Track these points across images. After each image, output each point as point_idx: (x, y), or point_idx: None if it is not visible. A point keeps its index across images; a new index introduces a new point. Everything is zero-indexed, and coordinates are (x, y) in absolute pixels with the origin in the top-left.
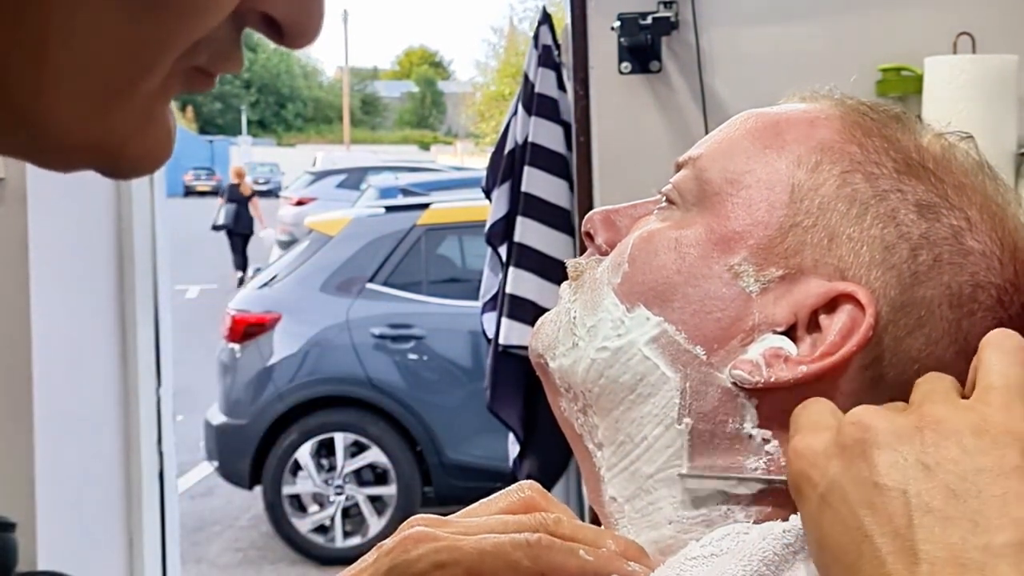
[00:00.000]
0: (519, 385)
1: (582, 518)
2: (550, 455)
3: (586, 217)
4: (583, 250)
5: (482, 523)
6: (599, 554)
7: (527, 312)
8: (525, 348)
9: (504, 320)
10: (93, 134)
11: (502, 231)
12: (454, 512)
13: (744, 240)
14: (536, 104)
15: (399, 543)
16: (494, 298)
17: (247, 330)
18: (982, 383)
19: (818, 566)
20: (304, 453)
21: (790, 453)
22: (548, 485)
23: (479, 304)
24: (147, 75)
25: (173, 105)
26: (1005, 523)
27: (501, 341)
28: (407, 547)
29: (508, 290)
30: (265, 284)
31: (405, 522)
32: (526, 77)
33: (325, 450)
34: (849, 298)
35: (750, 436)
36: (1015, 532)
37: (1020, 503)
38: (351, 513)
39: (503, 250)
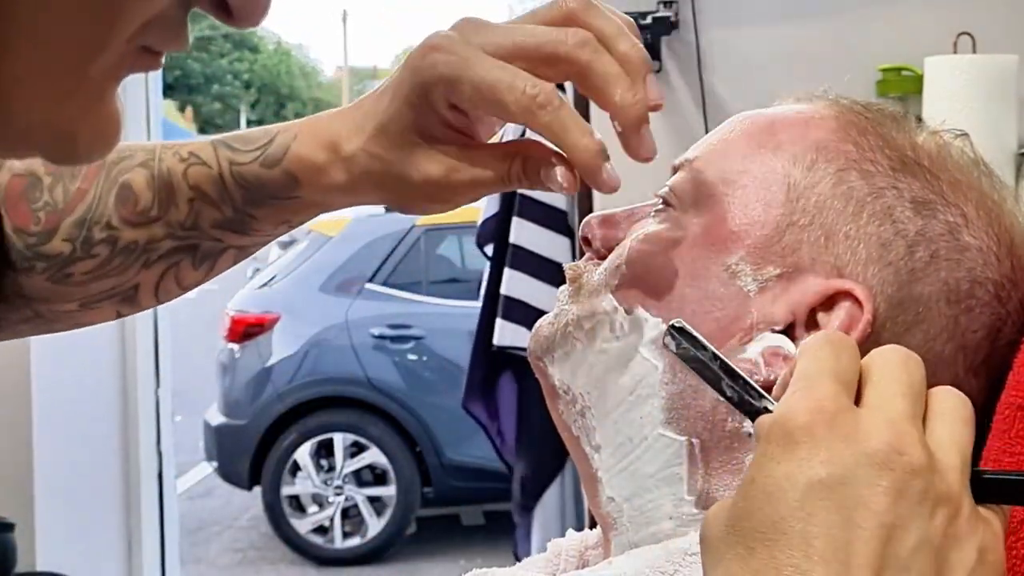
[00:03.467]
0: (493, 382)
1: (580, 519)
2: (543, 457)
3: (583, 222)
4: (580, 251)
5: (511, 30)
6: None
7: (521, 313)
8: (520, 349)
9: (499, 321)
10: (48, 117)
11: (492, 229)
12: (455, 514)
13: (741, 240)
14: None
15: (421, 48)
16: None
17: (246, 330)
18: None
19: (751, 518)
20: (303, 453)
21: (810, 392)
22: (541, 487)
23: (480, 304)
24: (100, 56)
25: (173, 104)
26: None
27: (495, 342)
28: (425, 53)
29: (503, 291)
30: (264, 284)
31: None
32: None
33: (324, 451)
34: (847, 295)
35: (749, 434)
36: None
37: None
38: (350, 514)
39: (490, 249)
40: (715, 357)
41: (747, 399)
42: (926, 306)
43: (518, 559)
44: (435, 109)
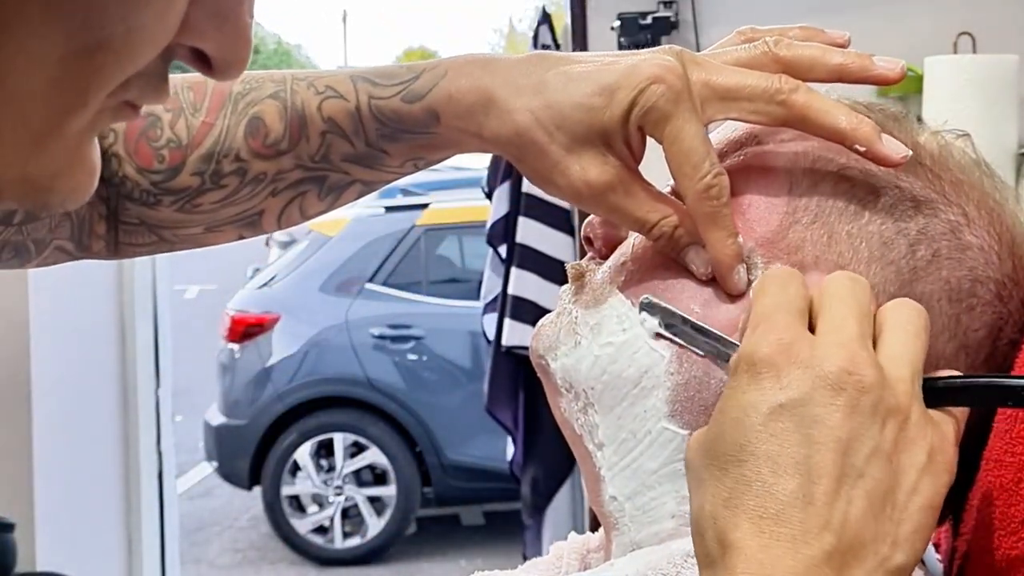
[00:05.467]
0: (517, 386)
1: (582, 519)
2: (555, 457)
3: (585, 222)
4: (582, 251)
5: (729, 71)
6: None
7: (528, 313)
8: (527, 348)
9: (507, 321)
10: (24, 173)
11: (502, 231)
12: (455, 514)
13: (748, 235)
14: None
15: (648, 72)
16: (495, 299)
17: (246, 330)
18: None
19: (723, 443)
20: (303, 454)
21: (768, 326)
22: (553, 487)
23: (480, 304)
24: (79, 113)
25: None
26: (909, 552)
27: (504, 342)
28: (651, 80)
29: (510, 291)
30: (264, 284)
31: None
32: None
33: (324, 451)
34: None
35: None
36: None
37: (924, 540)
38: (350, 514)
39: (503, 250)
40: (684, 320)
41: (722, 350)
42: (927, 304)
43: (526, 560)
44: (630, 126)
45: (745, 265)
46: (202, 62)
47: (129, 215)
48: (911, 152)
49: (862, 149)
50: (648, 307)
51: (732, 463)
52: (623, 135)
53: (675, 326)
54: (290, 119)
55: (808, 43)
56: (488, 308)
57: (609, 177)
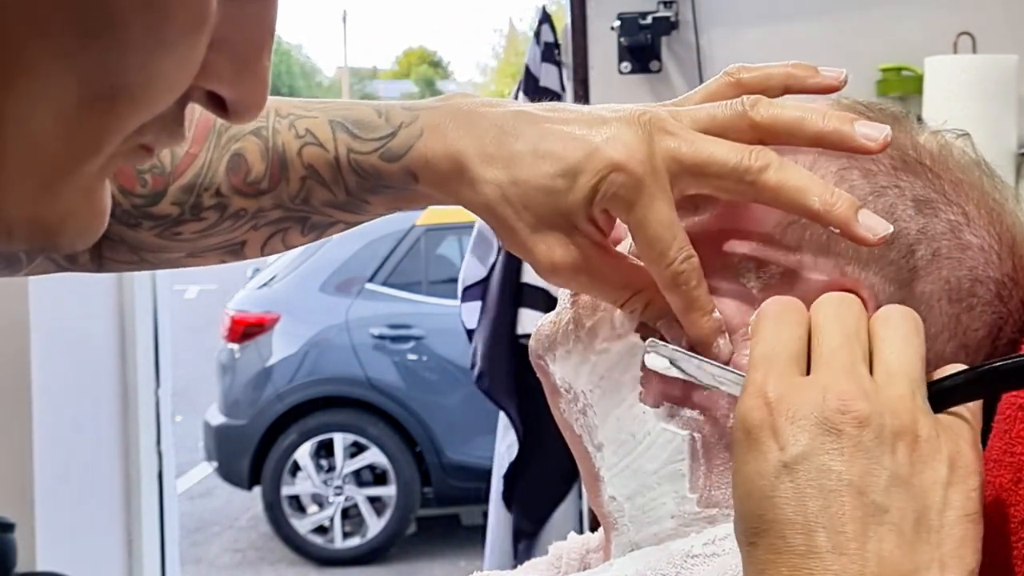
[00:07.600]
0: (522, 376)
1: (582, 519)
2: (559, 460)
3: None
4: None
5: (698, 145)
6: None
7: (540, 301)
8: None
9: (521, 310)
10: (36, 212)
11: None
12: (455, 514)
13: (744, 238)
14: (541, 99)
15: (607, 156)
16: (473, 285)
17: (246, 330)
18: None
19: (743, 518)
20: (303, 454)
21: (755, 387)
22: (561, 490)
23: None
24: (94, 157)
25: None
26: (959, 568)
27: (519, 331)
28: (610, 168)
29: (524, 279)
30: (264, 284)
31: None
32: (528, 71)
33: (324, 451)
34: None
35: None
36: None
37: (973, 549)
38: (350, 514)
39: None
40: (688, 357)
41: (727, 379)
42: (928, 304)
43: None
44: (593, 210)
45: (726, 336)
46: (217, 105)
47: (112, 232)
48: (891, 228)
49: (837, 231)
50: (653, 348)
51: (758, 535)
52: (587, 217)
53: (678, 365)
54: (271, 159)
55: (788, 105)
56: (467, 295)
57: (574, 258)
